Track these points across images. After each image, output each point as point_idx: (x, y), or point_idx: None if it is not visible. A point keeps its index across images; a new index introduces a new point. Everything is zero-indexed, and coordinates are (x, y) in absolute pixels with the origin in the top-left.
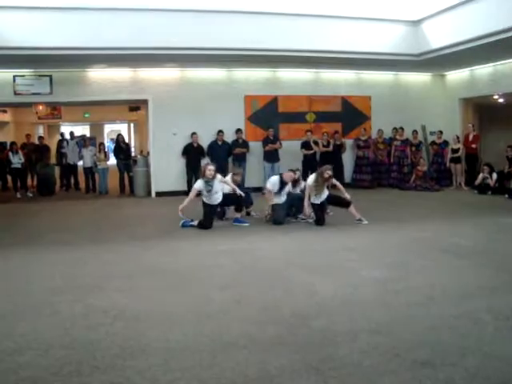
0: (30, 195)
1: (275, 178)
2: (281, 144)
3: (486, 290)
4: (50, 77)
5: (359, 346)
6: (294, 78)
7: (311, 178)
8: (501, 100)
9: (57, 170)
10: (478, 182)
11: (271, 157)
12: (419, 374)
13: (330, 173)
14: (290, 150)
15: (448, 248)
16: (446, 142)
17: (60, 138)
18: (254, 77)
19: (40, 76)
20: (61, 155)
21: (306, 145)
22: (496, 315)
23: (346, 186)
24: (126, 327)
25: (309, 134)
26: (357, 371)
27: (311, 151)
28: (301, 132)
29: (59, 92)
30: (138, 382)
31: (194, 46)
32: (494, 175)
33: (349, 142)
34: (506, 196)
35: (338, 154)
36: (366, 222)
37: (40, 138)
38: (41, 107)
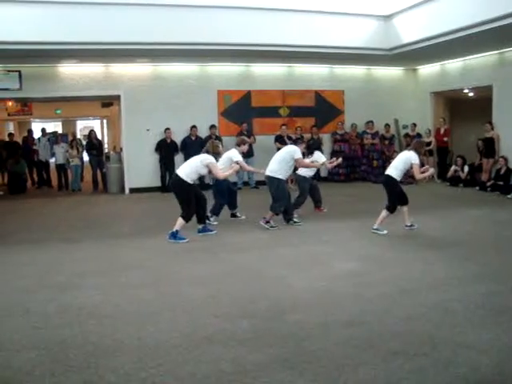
0: (1, 193)
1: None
2: (254, 139)
3: (456, 281)
4: (19, 72)
5: (334, 338)
6: (267, 73)
7: (414, 155)
8: (471, 94)
9: None
10: (449, 174)
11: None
12: (392, 365)
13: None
14: (264, 144)
15: (420, 240)
16: (419, 135)
17: (26, 134)
18: (227, 71)
19: (8, 71)
20: (27, 152)
21: (279, 139)
22: (466, 305)
23: (321, 179)
24: (100, 325)
25: (283, 127)
26: (331, 363)
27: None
28: (274, 126)
29: (29, 88)
30: (111, 380)
31: (167, 40)
32: (466, 168)
33: (324, 136)
34: (477, 188)
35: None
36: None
37: (10, 134)
38: (10, 103)
